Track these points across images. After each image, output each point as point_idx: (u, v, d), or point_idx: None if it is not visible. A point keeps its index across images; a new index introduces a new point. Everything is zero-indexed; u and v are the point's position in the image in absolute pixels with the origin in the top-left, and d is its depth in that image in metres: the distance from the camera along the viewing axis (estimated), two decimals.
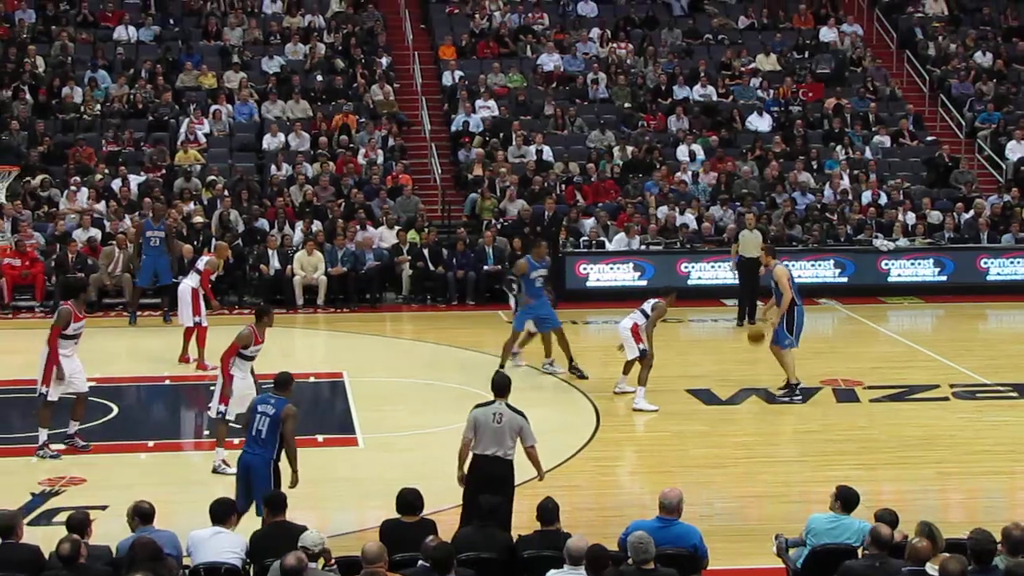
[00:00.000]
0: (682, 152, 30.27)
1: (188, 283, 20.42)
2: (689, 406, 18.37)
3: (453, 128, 31.11)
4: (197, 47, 32.71)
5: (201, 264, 20.64)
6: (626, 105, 31.89)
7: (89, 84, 30.85)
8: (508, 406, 12.21)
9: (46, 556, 10.02)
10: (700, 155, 30.24)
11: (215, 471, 14.96)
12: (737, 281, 24.67)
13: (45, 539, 10.64)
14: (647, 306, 18.43)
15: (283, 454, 12.23)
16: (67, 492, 14.40)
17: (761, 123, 31.58)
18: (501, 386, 12.37)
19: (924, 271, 27.16)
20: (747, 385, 19.25)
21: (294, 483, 12.10)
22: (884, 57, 34.68)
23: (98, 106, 30.40)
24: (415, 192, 28.62)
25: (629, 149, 30.14)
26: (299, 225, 26.78)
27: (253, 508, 11.77)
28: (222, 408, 15.03)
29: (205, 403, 18.18)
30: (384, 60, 32.63)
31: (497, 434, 12.06)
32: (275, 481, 12.10)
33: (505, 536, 10.64)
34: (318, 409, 18.49)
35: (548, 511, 10.60)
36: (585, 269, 26.28)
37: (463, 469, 12.12)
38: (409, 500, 10.81)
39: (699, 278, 26.44)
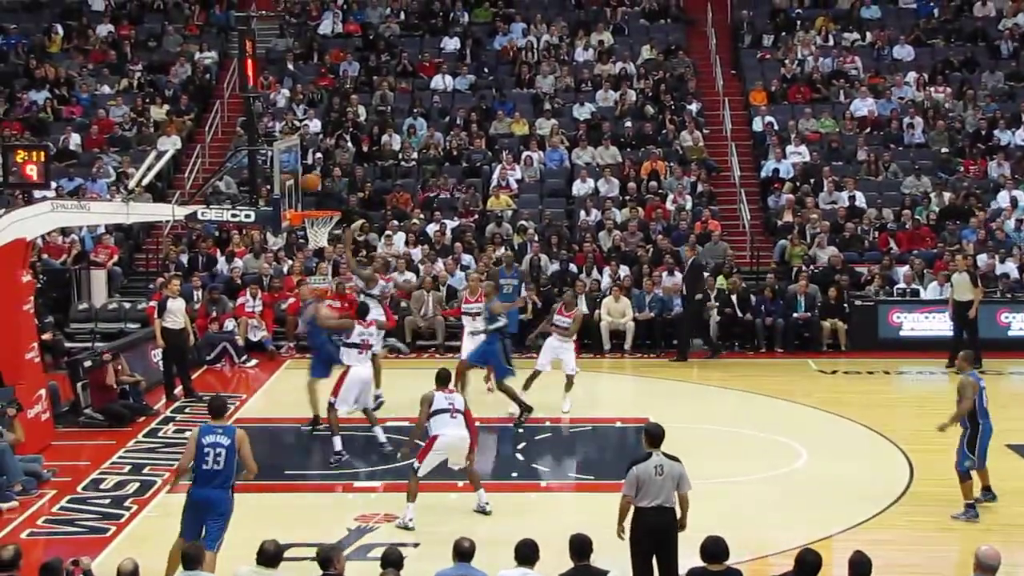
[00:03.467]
0: (1003, 198, 29.18)
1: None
2: (1009, 462, 17.63)
3: (763, 174, 30.86)
4: (510, 95, 33.45)
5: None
6: (943, 150, 31.01)
7: (408, 132, 31.91)
8: (665, 455, 12.04)
9: None
10: (1022, 202, 29.08)
11: None
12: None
13: (359, 574, 10.92)
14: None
15: None
16: (380, 528, 14.80)
17: None
18: (656, 436, 12.18)
19: None
20: None
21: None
22: None
23: (415, 153, 31.40)
24: (724, 238, 28.47)
25: (946, 195, 29.27)
26: (607, 270, 26.99)
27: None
28: None
29: (504, 443, 18.50)
30: (694, 106, 32.66)
31: (661, 486, 11.91)
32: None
33: None
34: (624, 454, 18.53)
35: (861, 566, 10.28)
36: (899, 318, 25.59)
37: (622, 525, 11.98)
38: (714, 549, 10.68)
39: (1020, 329, 25.40)
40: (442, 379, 15.42)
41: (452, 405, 15.11)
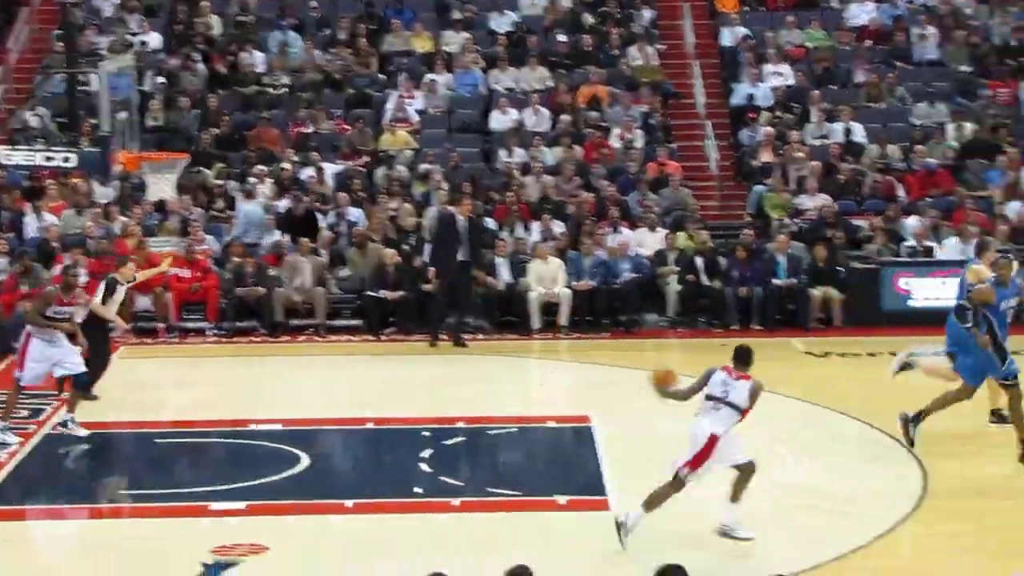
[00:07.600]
0: None
1: None
2: None
3: (734, 101, 31.03)
4: (409, 1, 33.33)
5: None
6: (963, 69, 31.32)
7: (277, 49, 31.70)
8: None
9: None
10: None
11: None
12: None
13: None
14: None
15: None
16: (246, 562, 14.74)
17: None
18: None
19: None
20: None
21: None
22: None
23: (285, 77, 31.22)
24: (684, 184, 28.60)
25: (968, 127, 29.59)
26: (535, 226, 27.02)
27: None
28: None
29: (416, 450, 18.49)
30: (646, 13, 32.73)
31: None
32: None
33: None
34: (559, 462, 18.61)
35: None
36: (907, 284, 25.83)
37: None
38: None
39: None
40: None
41: None
